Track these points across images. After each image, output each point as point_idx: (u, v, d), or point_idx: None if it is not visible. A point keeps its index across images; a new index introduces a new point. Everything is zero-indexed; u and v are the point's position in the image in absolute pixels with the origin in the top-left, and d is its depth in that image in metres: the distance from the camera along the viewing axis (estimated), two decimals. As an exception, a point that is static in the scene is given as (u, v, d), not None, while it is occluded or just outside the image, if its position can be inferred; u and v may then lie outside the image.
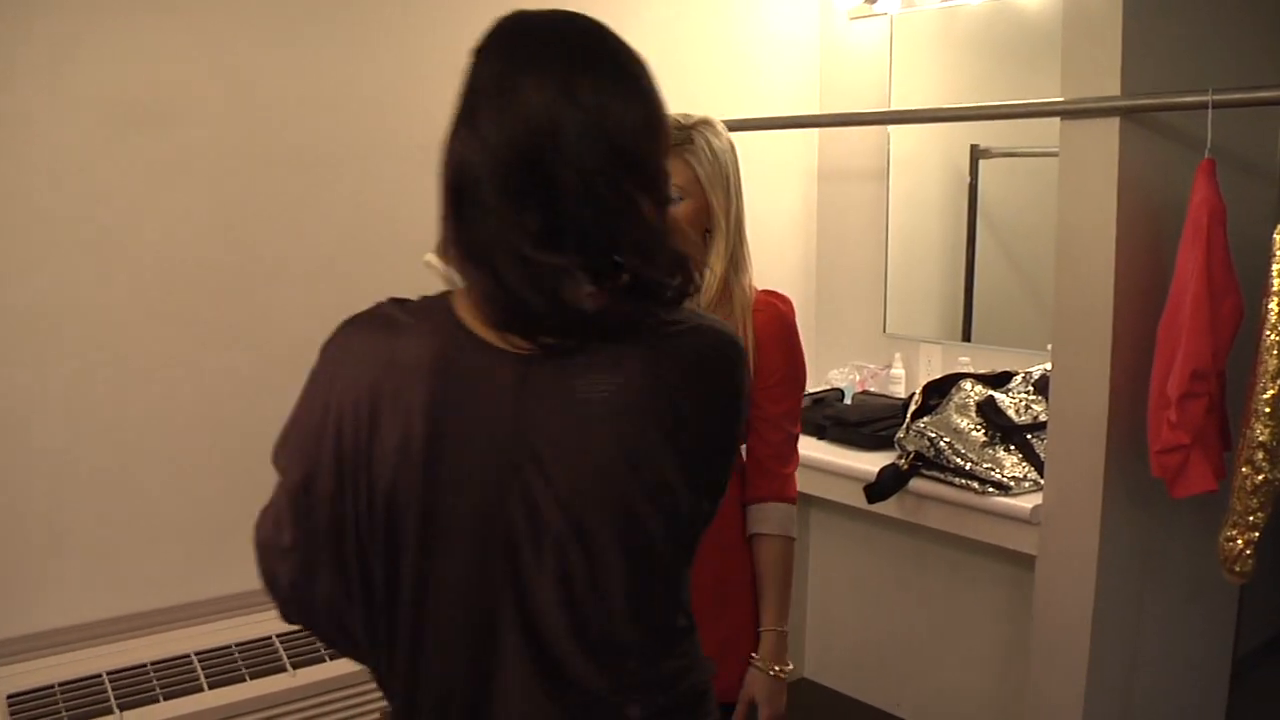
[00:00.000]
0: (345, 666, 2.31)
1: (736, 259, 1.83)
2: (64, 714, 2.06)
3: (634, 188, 1.04)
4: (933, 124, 3.15)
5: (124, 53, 2.18)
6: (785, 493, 1.87)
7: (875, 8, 3.19)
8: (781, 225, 3.44)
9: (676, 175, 1.73)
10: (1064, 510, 2.31)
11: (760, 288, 1.86)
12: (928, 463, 2.55)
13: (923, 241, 3.33)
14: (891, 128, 3.24)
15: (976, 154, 3.17)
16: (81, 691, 2.13)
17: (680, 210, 1.75)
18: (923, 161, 3.29)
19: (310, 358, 1.13)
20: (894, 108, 3.20)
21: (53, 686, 2.13)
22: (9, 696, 2.16)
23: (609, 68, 1.06)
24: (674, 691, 1.18)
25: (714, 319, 1.18)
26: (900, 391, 3.14)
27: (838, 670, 3.60)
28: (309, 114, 2.44)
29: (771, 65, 3.32)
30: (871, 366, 3.26)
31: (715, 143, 1.78)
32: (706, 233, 1.81)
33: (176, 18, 2.25)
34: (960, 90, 3.17)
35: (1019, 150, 3.12)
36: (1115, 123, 2.13)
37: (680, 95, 2.87)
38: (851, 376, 3.22)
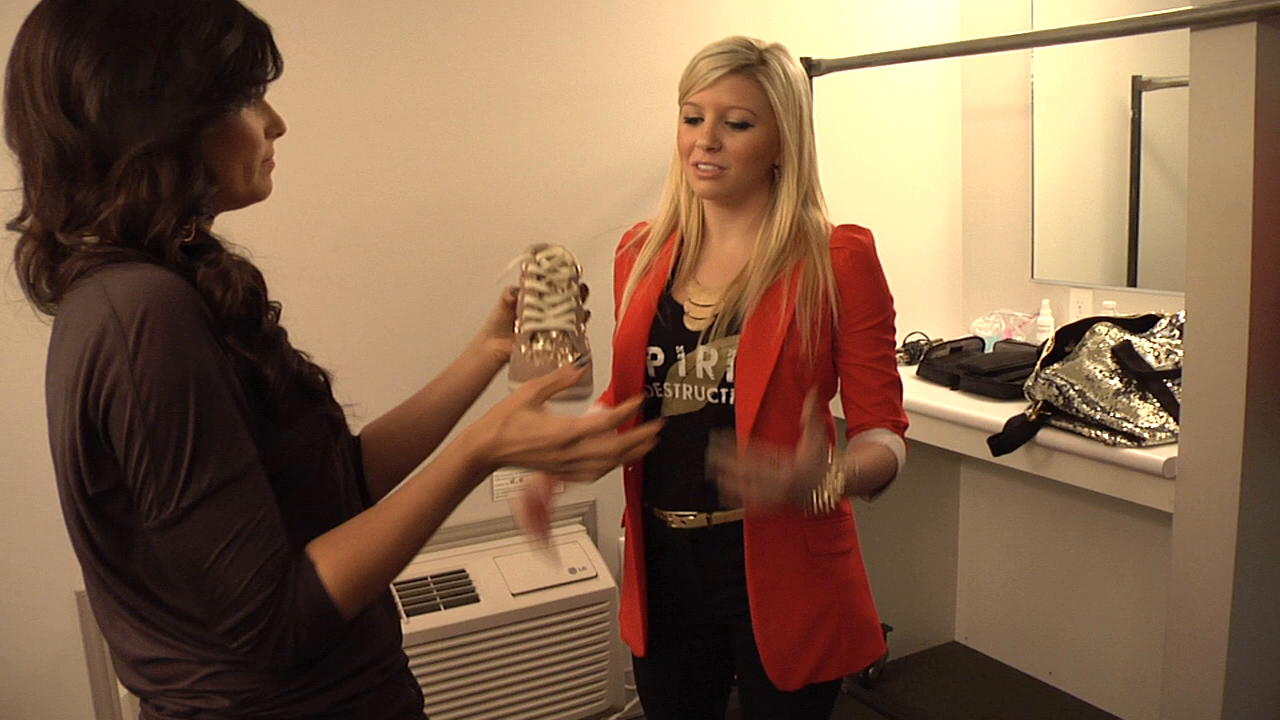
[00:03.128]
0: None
1: (810, 195, 1.73)
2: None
3: None
4: (1086, 55, 2.92)
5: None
6: (897, 425, 1.73)
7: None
8: (925, 167, 3.29)
9: (746, 99, 1.64)
10: (1200, 464, 2.10)
11: (846, 224, 1.74)
12: (1057, 412, 2.37)
13: (1078, 181, 3.11)
14: (1036, 60, 3.03)
15: (1139, 85, 2.93)
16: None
17: (748, 138, 1.65)
18: (1076, 95, 3.07)
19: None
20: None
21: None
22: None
23: None
24: None
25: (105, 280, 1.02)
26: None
27: (988, 634, 3.46)
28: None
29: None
30: (1019, 314, 3.06)
31: (790, 67, 1.69)
32: (775, 167, 1.72)
33: None
34: (1107, 13, 2.93)
35: (1188, 80, 2.85)
36: (1252, 29, 1.90)
37: (822, 29, 2.85)
38: (997, 325, 3.04)
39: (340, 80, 2.48)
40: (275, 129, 1.17)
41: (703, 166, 1.67)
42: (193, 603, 1.05)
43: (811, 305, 1.66)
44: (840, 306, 1.67)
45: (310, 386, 1.18)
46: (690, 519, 1.75)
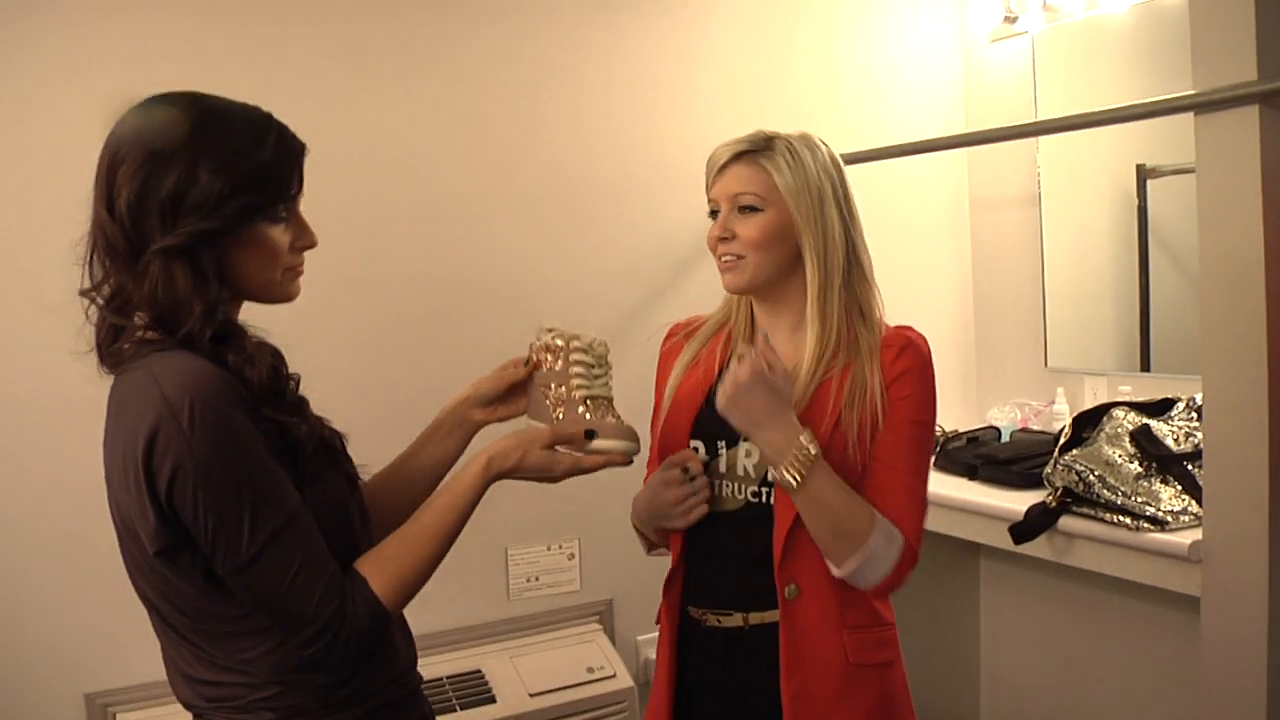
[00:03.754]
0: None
1: (861, 301, 1.67)
2: None
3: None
4: (1090, 145, 2.96)
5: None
6: (898, 527, 1.59)
7: (1015, 27, 3.05)
8: (935, 259, 3.31)
9: (752, 184, 1.63)
10: (1226, 546, 2.07)
11: (902, 325, 1.70)
12: (1077, 498, 2.35)
13: (1088, 269, 3.13)
14: (1042, 150, 3.08)
15: (1143, 174, 2.96)
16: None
17: (758, 223, 1.62)
18: (1082, 184, 3.10)
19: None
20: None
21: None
22: None
23: None
24: None
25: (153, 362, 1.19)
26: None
27: (1016, 732, 3.37)
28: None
29: (913, 96, 3.24)
30: (1034, 403, 3.06)
31: (805, 153, 1.64)
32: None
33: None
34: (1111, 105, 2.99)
35: (1192, 166, 2.89)
36: (1254, 111, 1.93)
37: (829, 125, 2.90)
38: (1012, 415, 3.03)
39: (357, 172, 2.54)
40: (302, 242, 1.30)
41: (723, 259, 1.65)
42: (273, 623, 1.23)
43: (859, 407, 1.59)
44: (886, 412, 1.61)
45: (332, 446, 1.34)
46: (726, 619, 1.69)
